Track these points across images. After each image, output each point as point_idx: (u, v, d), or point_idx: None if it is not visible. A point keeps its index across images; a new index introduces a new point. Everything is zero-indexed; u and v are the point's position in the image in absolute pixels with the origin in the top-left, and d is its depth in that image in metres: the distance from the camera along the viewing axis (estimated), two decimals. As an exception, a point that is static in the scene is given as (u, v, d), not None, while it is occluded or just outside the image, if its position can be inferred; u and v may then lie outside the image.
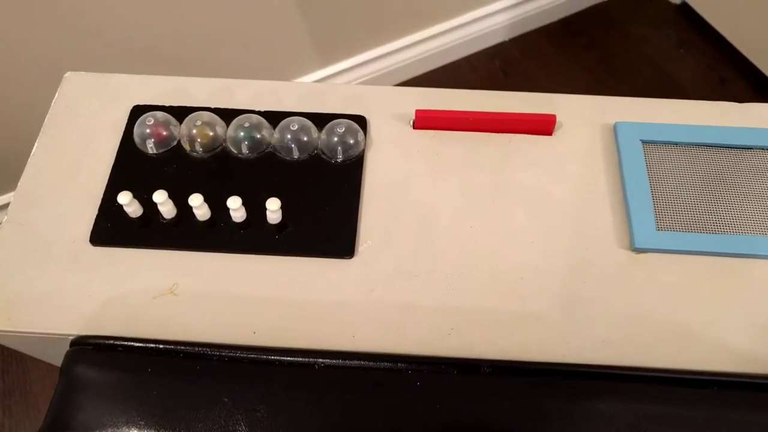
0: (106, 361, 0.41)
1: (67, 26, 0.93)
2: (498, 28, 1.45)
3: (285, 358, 0.41)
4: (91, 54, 0.99)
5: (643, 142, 0.51)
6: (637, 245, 0.46)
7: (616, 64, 1.50)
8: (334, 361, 0.41)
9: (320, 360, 0.41)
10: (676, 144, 0.51)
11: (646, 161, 0.50)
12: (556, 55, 1.50)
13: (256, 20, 1.11)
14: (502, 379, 0.40)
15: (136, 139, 0.51)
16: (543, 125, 0.51)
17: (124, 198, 0.46)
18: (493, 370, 0.40)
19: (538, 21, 1.50)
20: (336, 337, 0.43)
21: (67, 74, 0.56)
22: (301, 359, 0.41)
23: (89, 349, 0.41)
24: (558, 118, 0.52)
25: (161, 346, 0.41)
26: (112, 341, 0.41)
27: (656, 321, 0.44)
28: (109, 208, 0.48)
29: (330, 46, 1.25)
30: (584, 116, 0.53)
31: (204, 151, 0.51)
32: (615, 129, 0.52)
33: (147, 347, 0.41)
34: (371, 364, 0.40)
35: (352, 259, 0.46)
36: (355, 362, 0.40)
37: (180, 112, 0.53)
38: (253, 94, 0.55)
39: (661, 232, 0.47)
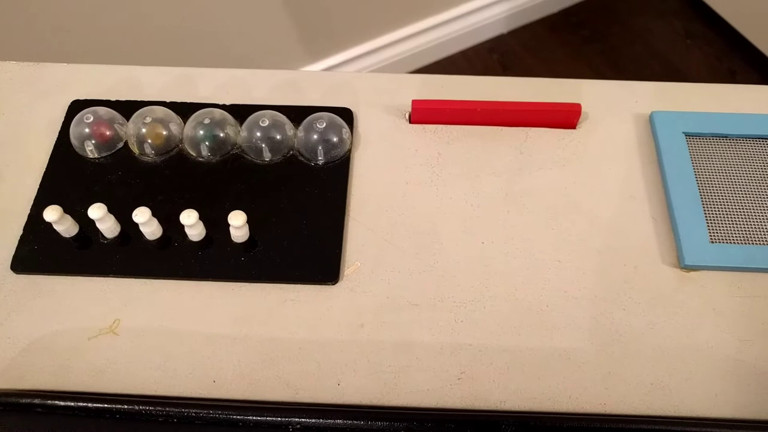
0: (19, 425, 0.32)
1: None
2: (496, 20, 1.37)
3: (251, 417, 0.32)
4: (25, 41, 0.87)
5: (687, 134, 0.42)
6: (687, 262, 0.37)
7: (620, 57, 1.43)
8: (312, 420, 0.32)
9: (295, 419, 0.32)
10: (726, 136, 0.42)
11: (691, 158, 0.41)
12: (557, 48, 1.43)
13: (233, 11, 1.02)
14: (528, 440, 0.31)
15: (74, 140, 0.42)
16: (566, 116, 0.43)
17: (52, 214, 0.37)
18: (516, 428, 0.32)
19: (538, 12, 1.43)
20: (317, 385, 0.34)
21: (-5, 65, 0.47)
22: (270, 419, 0.32)
23: (-1, 411, 0.32)
24: (583, 108, 0.43)
25: (91, 405, 0.32)
26: (28, 399, 0.32)
27: (717, 357, 0.35)
28: (37, 226, 0.39)
29: (315, 42, 1.17)
30: (613, 105, 0.45)
31: (156, 155, 0.42)
32: (651, 120, 0.43)
33: (73, 407, 0.32)
34: (360, 423, 0.31)
35: (337, 285, 0.38)
36: (339, 422, 0.32)
37: (128, 108, 0.44)
38: (216, 84, 0.46)
39: (715, 245, 0.38)
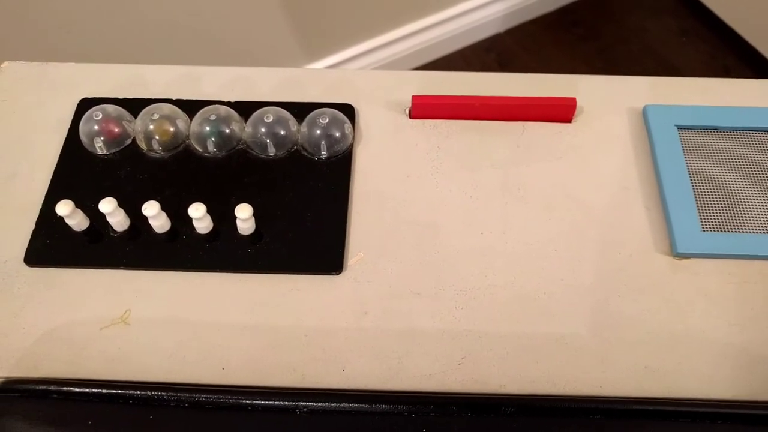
0: (36, 412, 0.33)
1: (5, 10, 0.83)
2: (493, 19, 1.38)
3: (259, 402, 0.33)
4: (34, 42, 0.88)
5: (679, 127, 0.44)
6: (680, 250, 0.39)
7: (616, 55, 1.44)
8: (319, 404, 0.33)
9: (302, 403, 0.33)
10: (717, 129, 0.44)
11: (683, 150, 0.43)
12: (554, 46, 1.44)
13: (238, 11, 1.03)
14: (528, 421, 0.33)
15: (83, 137, 0.43)
16: (562, 111, 0.44)
17: (64, 208, 0.38)
18: (516, 410, 0.33)
19: (534, 11, 1.44)
20: (322, 371, 0.36)
21: (4, 64, 0.48)
22: (278, 403, 0.33)
23: (16, 398, 0.33)
24: (578, 102, 0.45)
25: (105, 391, 0.33)
26: (44, 386, 0.33)
27: (708, 341, 0.36)
28: (48, 220, 0.41)
29: (313, 42, 1.18)
30: (608, 99, 0.46)
31: (163, 150, 0.43)
32: (645, 113, 0.45)
33: (88, 393, 0.33)
34: (365, 407, 0.33)
35: (341, 275, 0.39)
36: (345, 405, 0.33)
37: (135, 105, 0.45)
38: (221, 82, 0.47)
39: (706, 233, 0.39)
